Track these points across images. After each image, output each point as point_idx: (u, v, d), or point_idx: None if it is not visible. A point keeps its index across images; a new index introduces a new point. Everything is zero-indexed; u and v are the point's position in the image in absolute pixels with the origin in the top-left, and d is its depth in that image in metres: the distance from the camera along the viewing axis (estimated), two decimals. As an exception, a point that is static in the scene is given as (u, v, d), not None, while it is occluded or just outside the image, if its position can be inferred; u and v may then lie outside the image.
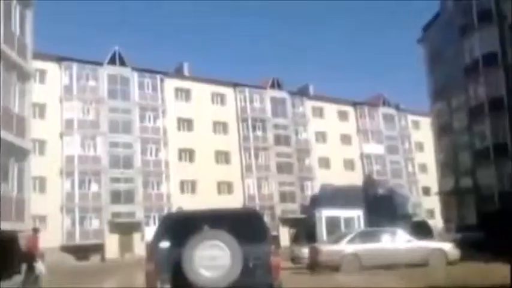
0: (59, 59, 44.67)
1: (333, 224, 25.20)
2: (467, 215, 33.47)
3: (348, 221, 25.82)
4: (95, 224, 43.18)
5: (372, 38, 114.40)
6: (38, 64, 35.58)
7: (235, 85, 53.85)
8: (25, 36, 22.06)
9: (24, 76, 21.52)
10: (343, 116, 60.88)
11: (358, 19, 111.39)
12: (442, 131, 38.67)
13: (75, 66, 45.35)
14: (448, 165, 37.68)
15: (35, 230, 18.22)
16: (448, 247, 17.62)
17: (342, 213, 26.17)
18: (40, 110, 41.06)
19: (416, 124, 66.87)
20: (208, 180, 48.96)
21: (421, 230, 23.99)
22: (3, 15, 19.85)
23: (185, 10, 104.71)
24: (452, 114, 36.59)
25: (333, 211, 26.46)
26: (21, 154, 20.77)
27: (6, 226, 18.88)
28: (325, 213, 26.31)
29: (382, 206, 29.03)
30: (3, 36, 19.58)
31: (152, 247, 7.28)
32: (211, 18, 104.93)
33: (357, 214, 26.15)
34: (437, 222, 43.27)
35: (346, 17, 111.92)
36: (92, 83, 45.99)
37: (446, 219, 37.21)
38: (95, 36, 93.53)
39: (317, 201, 31.37)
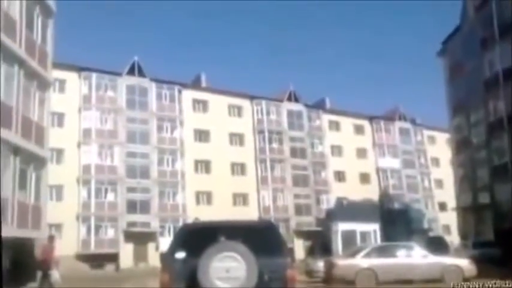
0: (79, 69, 44.87)
1: (348, 238, 24.97)
2: (484, 231, 32.86)
3: (364, 235, 25.58)
4: (110, 233, 43.14)
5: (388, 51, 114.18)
6: (58, 74, 35.93)
7: (252, 97, 53.80)
8: (46, 45, 22.29)
9: (44, 85, 21.67)
10: (359, 129, 60.47)
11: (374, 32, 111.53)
12: (461, 145, 38.12)
13: (94, 76, 45.49)
14: (466, 180, 37.11)
15: (51, 238, 18.27)
16: (465, 263, 17.34)
17: (358, 227, 25.94)
18: (59, 119, 41.35)
19: (432, 139, 66.32)
20: (224, 191, 48.70)
21: (438, 245, 23.63)
22: (26, 24, 20.15)
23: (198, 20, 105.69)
24: (471, 129, 35.95)
25: (349, 225, 26.21)
26: (39, 162, 20.90)
27: (23, 234, 18.98)
28: (341, 227, 26.09)
29: (397, 221, 28.70)
30: (25, 44, 19.86)
31: (168, 257, 7.23)
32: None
33: (373, 228, 25.91)
34: (453, 238, 42.61)
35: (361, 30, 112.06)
36: (110, 93, 46.10)
37: (463, 235, 36.57)
38: (116, 48, 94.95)
39: (332, 215, 31.08)
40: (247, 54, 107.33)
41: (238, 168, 51.43)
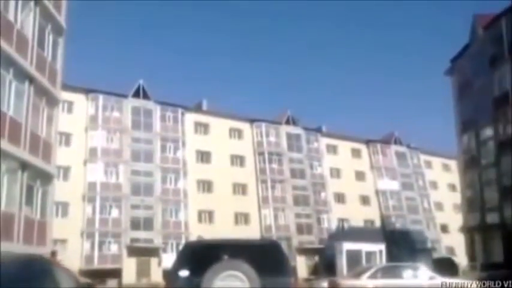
0: (87, 91, 45.29)
1: (354, 258, 24.68)
2: (493, 252, 32.35)
3: (370, 255, 25.29)
4: (113, 248, 42.77)
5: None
6: (66, 95, 36.23)
7: (252, 121, 54.50)
8: (56, 63, 22.10)
9: (52, 102, 21.38)
10: (356, 153, 61.24)
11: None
12: (469, 165, 37.60)
13: (101, 98, 46.03)
14: (474, 200, 36.62)
15: (53, 254, 18.28)
16: (473, 286, 17.09)
17: (363, 246, 25.66)
18: (66, 138, 41.42)
19: (428, 164, 67.44)
20: (226, 210, 48.71)
21: (446, 267, 23.33)
22: (37, 42, 20.41)
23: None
24: (480, 148, 35.08)
25: (355, 244, 25.98)
26: (45, 178, 20.52)
27: (28, 250, 18.96)
28: (346, 247, 25.85)
29: (401, 242, 28.54)
30: (36, 62, 20.08)
31: (171, 275, 7.13)
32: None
33: (378, 248, 25.62)
34: (458, 260, 42.13)
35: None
36: (116, 113, 46.60)
37: (471, 257, 36.02)
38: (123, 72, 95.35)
39: (337, 235, 30.98)
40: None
41: (240, 188, 51.71)
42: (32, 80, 19.29)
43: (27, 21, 19.37)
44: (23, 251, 17.86)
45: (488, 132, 33.98)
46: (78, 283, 7.02)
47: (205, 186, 49.83)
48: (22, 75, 18.64)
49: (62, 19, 22.63)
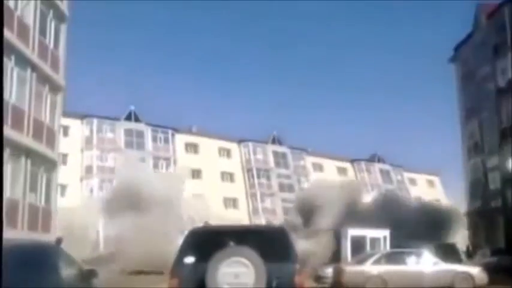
0: (82, 116, 47.24)
1: (358, 244, 24.58)
2: (496, 238, 32.37)
3: (374, 241, 25.13)
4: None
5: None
6: (62, 121, 36.29)
7: (239, 141, 56.85)
8: (58, 49, 21.85)
9: (55, 88, 21.12)
10: (341, 171, 62.86)
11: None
12: (472, 151, 37.47)
13: (95, 121, 48.38)
14: (477, 188, 36.67)
15: (58, 241, 18.28)
16: (475, 271, 16.85)
17: (368, 232, 25.54)
18: (62, 158, 41.73)
19: (412, 181, 68.92)
20: (218, 222, 49.61)
21: (449, 253, 23.19)
22: (39, 28, 20.23)
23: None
24: (483, 135, 35.25)
25: (359, 230, 25.87)
26: (49, 165, 20.35)
27: (33, 237, 18.95)
28: (351, 232, 25.75)
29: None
30: (38, 49, 19.87)
31: (176, 261, 6.93)
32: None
33: (383, 234, 25.46)
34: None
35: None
36: (110, 135, 48.82)
37: (474, 244, 36.04)
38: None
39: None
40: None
41: (231, 202, 53.70)
42: (34, 67, 19.09)
43: (28, 8, 19.10)
44: (28, 238, 17.85)
45: (491, 119, 33.95)
46: (81, 269, 7.05)
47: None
48: (24, 62, 18.40)
49: (64, 6, 22.26)
